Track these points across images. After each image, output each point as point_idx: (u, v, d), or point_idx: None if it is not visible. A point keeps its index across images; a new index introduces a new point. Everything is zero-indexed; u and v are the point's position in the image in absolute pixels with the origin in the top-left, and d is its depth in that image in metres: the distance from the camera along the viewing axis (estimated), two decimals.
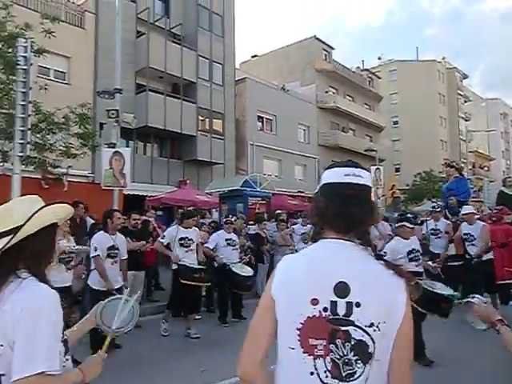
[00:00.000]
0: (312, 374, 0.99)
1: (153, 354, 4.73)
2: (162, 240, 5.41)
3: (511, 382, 3.50)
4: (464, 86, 45.14)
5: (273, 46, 43.79)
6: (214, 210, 11.81)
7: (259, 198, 11.03)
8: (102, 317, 1.50)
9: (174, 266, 5.34)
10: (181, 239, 5.29)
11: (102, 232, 4.69)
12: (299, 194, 20.87)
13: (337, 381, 0.99)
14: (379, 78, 33.21)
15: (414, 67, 39.09)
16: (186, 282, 5.09)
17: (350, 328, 0.99)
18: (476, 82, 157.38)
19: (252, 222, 9.40)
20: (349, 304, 1.00)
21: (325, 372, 0.99)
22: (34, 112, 6.95)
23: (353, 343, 0.99)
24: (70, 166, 8.53)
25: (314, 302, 1.00)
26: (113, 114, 7.62)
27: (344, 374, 0.98)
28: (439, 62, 41.40)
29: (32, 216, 1.17)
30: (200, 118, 17.72)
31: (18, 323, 1.06)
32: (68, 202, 1.34)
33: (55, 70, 13.41)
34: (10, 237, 1.15)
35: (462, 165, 36.92)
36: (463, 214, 6.64)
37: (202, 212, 9.70)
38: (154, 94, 15.83)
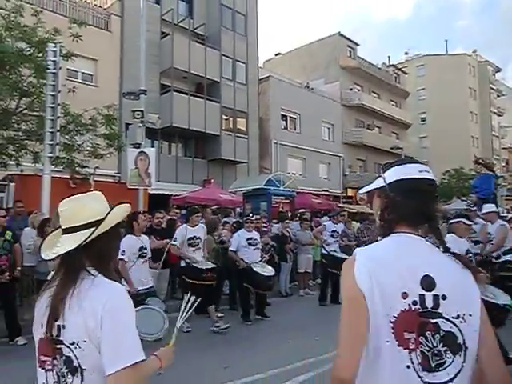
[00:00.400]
0: (408, 367, 1.00)
1: (176, 349, 4.75)
2: (175, 243, 5.41)
3: None
4: (497, 80, 43.12)
5: (296, 44, 43.47)
6: (238, 208, 11.82)
7: (283, 197, 10.94)
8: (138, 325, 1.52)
9: (182, 263, 5.39)
10: (189, 239, 5.33)
11: (129, 235, 4.75)
12: (323, 192, 20.59)
13: (426, 372, 1.00)
14: (406, 73, 32.22)
15: (443, 61, 37.64)
16: (193, 281, 5.13)
17: (439, 320, 1.01)
18: (510, 76, 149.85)
19: (275, 221, 9.33)
20: (435, 297, 1.02)
21: (418, 365, 1.00)
22: (62, 114, 7.16)
23: (442, 334, 1.01)
24: (97, 167, 8.76)
25: (404, 295, 1.01)
26: (138, 114, 7.76)
27: (433, 365, 1.00)
28: (470, 56, 39.71)
29: (110, 211, 1.20)
30: (224, 117, 17.80)
31: (102, 320, 1.07)
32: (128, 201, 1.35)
33: (83, 73, 13.84)
34: (92, 229, 1.16)
35: (495, 161, 35.46)
36: (483, 214, 6.31)
37: (226, 211, 9.73)
38: (179, 94, 16.03)
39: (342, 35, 26.31)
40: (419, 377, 0.99)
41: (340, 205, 18.72)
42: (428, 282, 1.02)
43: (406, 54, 40.99)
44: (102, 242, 1.19)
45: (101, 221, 1.17)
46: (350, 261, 1.07)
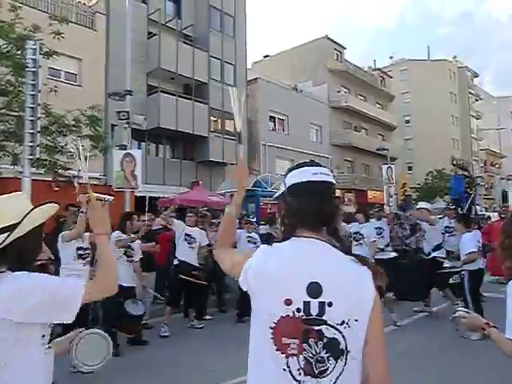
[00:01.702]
0: (284, 370, 1.01)
1: (164, 353, 4.73)
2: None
3: None
4: (475, 85, 44.79)
5: (285, 46, 43.65)
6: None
7: (271, 198, 10.91)
8: (77, 353, 1.45)
9: (176, 262, 5.56)
10: (186, 235, 5.58)
11: (118, 232, 4.76)
12: None
13: (309, 377, 1.01)
14: (391, 77, 32.77)
15: (426, 66, 38.63)
16: (184, 277, 5.35)
17: (323, 327, 1.01)
18: (487, 81, 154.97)
19: (263, 223, 9.30)
20: (321, 304, 1.01)
21: (298, 370, 1.00)
22: (44, 114, 6.95)
23: (325, 341, 1.01)
24: (80, 169, 8.57)
25: (288, 302, 1.01)
26: (123, 115, 7.61)
27: (317, 372, 1.00)
28: (450, 62, 41.03)
29: (27, 214, 1.18)
30: (212, 118, 17.71)
31: (18, 296, 1.11)
32: (57, 201, 1.33)
33: (66, 72, 13.48)
34: (6, 234, 1.15)
35: (474, 162, 36.42)
36: (417, 209, 6.63)
37: (216, 213, 9.67)
38: (166, 95, 15.87)
39: (329, 38, 26.56)
40: (296, 380, 1.00)
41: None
42: (314, 289, 1.01)
43: (391, 58, 41.81)
44: (19, 244, 1.18)
45: (15, 225, 1.16)
46: (248, 255, 1.10)
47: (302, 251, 1.07)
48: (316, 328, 1.01)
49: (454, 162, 7.98)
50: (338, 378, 1.01)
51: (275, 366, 1.01)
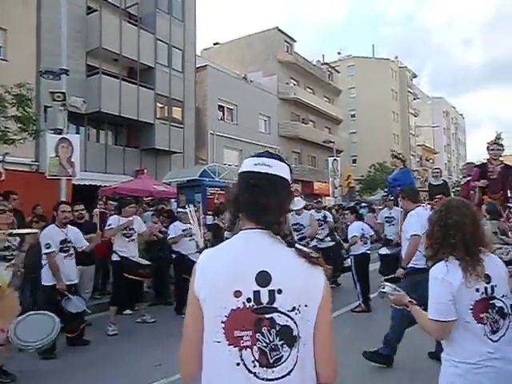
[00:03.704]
0: (238, 364, 0.99)
1: (106, 352, 4.53)
2: (108, 228, 5.20)
3: None
4: (413, 85, 48.28)
5: (235, 35, 43.08)
6: (172, 200, 11.44)
7: (218, 188, 10.83)
8: (17, 332, 1.34)
9: (115, 258, 5.18)
10: (124, 229, 5.18)
11: (52, 226, 4.49)
12: None
13: (265, 368, 0.99)
14: (338, 72, 33.94)
15: (370, 64, 40.58)
16: (131, 276, 5.03)
17: (274, 315, 1.01)
18: (424, 82, 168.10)
19: (210, 213, 9.21)
20: (271, 292, 1.01)
21: (252, 362, 0.99)
22: None
23: (278, 329, 1.00)
24: (7, 153, 7.71)
25: (238, 293, 1.00)
26: (58, 96, 6.95)
27: (272, 361, 1.00)
28: (392, 61, 43.53)
29: None
30: (158, 105, 17.03)
31: None
32: None
33: None
34: None
35: (411, 157, 39.44)
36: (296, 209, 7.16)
37: (163, 202, 9.43)
38: (108, 77, 14.91)
39: (280, 30, 26.72)
40: (251, 373, 0.99)
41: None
42: (263, 278, 1.01)
43: (339, 53, 43.20)
44: None
45: None
46: (194, 268, 1.08)
47: (247, 242, 1.07)
48: (267, 316, 1.00)
49: (400, 156, 8.49)
50: (294, 365, 1.01)
51: (229, 360, 0.99)
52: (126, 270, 5.05)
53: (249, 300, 1.00)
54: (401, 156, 9.41)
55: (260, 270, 1.02)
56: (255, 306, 1.00)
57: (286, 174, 1.13)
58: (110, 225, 5.17)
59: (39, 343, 1.38)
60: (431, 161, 46.98)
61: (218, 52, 28.08)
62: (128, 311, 5.80)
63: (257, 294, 1.00)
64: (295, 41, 28.03)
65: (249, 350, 0.99)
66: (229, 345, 0.99)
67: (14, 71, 10.39)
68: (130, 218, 5.19)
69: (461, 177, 8.87)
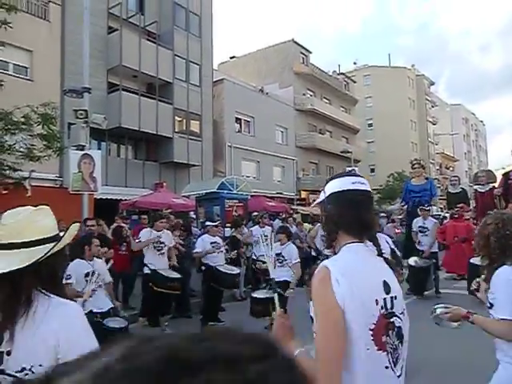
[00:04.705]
0: (387, 367, 1.09)
1: None
2: (137, 241, 5.42)
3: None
4: (431, 92, 47.60)
5: (251, 48, 43.85)
6: (191, 213, 11.51)
7: (236, 201, 10.82)
8: None
9: (147, 271, 5.28)
10: (154, 242, 5.31)
11: (78, 260, 4.30)
12: (278, 195, 20.83)
13: (396, 367, 1.12)
14: (354, 82, 33.82)
15: (387, 73, 40.32)
16: (160, 289, 5.10)
17: (393, 318, 1.14)
18: (441, 89, 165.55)
19: (229, 225, 9.19)
20: (392, 298, 1.15)
21: (392, 362, 1.10)
22: None
23: (396, 330, 1.14)
24: (33, 170, 7.94)
25: (376, 302, 1.12)
26: (81, 114, 7.15)
27: (395, 360, 1.11)
28: (409, 69, 43.16)
29: (68, 228, 1.15)
30: (177, 119, 17.33)
31: (60, 341, 1.03)
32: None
33: (15, 65, 12.50)
34: (46, 246, 1.07)
35: (431, 165, 38.64)
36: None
37: (188, 217, 9.53)
38: (128, 93, 15.31)
39: (295, 42, 26.93)
40: (395, 373, 1.11)
41: (293, 207, 19.04)
42: (386, 286, 1.14)
43: (355, 63, 43.17)
44: (52, 260, 1.09)
45: (53, 238, 1.10)
46: (323, 275, 1.09)
47: (363, 255, 1.17)
48: (391, 320, 1.13)
49: (422, 164, 8.32)
50: (404, 360, 1.15)
51: (379, 365, 1.08)
52: (155, 283, 5.12)
53: (382, 307, 1.12)
54: (424, 164, 9.19)
55: (382, 279, 1.15)
56: (385, 312, 1.13)
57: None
58: (139, 238, 5.32)
59: None
60: (451, 169, 45.95)
61: (234, 65, 28.50)
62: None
63: (385, 301, 1.13)
64: (311, 52, 28.16)
65: (389, 353, 1.11)
66: (378, 350, 1.08)
67: (40, 91, 10.81)
68: (159, 233, 5.28)
69: (474, 185, 8.57)
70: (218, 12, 63.58)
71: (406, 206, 8.16)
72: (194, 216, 10.95)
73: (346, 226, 1.17)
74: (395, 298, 1.15)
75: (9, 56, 10.44)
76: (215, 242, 6.12)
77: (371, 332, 1.07)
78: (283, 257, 5.64)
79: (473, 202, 8.74)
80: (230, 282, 6.10)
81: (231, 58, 30.30)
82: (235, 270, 6.08)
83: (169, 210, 11.54)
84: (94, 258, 4.48)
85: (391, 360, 1.10)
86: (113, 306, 4.44)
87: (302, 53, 27.32)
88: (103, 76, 14.98)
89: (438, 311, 1.98)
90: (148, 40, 16.50)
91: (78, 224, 1.22)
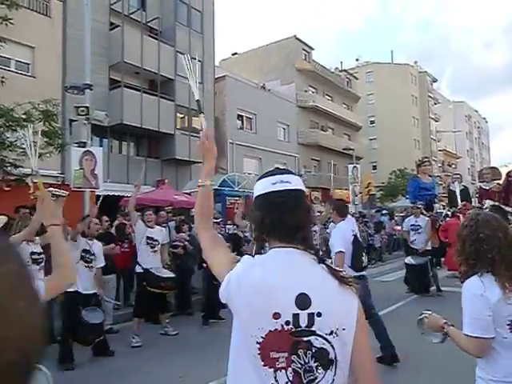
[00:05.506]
0: None
1: (130, 361, 4.54)
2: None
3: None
4: (433, 89, 47.28)
5: (253, 45, 43.73)
6: (193, 210, 11.53)
7: (238, 198, 10.81)
8: None
9: (139, 269, 5.19)
10: (148, 238, 5.22)
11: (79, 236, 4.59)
12: None
13: None
14: (357, 78, 33.66)
15: (389, 69, 40.09)
16: (153, 289, 5.04)
17: (312, 338, 1.00)
18: (444, 86, 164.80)
19: (230, 223, 9.20)
20: (310, 315, 1.00)
21: (286, 383, 0.99)
22: None
23: (314, 351, 1.00)
24: (37, 168, 7.92)
25: (276, 316, 0.99)
26: (82, 111, 7.13)
27: (305, 381, 0.99)
28: (412, 66, 42.87)
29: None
30: (179, 115, 17.30)
31: None
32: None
33: (17, 61, 12.43)
34: None
35: (433, 162, 38.67)
36: None
37: (187, 213, 9.54)
38: (130, 90, 15.27)
39: (297, 39, 26.79)
40: None
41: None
42: (303, 301, 1.00)
43: (357, 60, 42.92)
44: None
45: None
46: (231, 262, 1.08)
47: (284, 262, 1.05)
48: (305, 339, 1.00)
49: (431, 161, 8.37)
50: None
51: (262, 381, 0.99)
52: (147, 283, 5.06)
53: (287, 323, 0.99)
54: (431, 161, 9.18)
55: (300, 292, 1.01)
56: (293, 329, 0.99)
57: (303, 186, 1.13)
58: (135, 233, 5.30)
59: None
60: (453, 166, 45.78)
61: (236, 62, 28.41)
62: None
63: (296, 316, 0.99)
64: (313, 49, 28.03)
65: (283, 371, 0.99)
66: (264, 365, 0.99)
67: (42, 87, 10.77)
68: (151, 229, 5.25)
69: (478, 182, 8.56)
70: (219, 8, 63.15)
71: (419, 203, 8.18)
72: None
73: (269, 230, 1.09)
74: (318, 314, 1.00)
75: (11, 52, 10.39)
76: None
77: (258, 345, 0.99)
78: None
79: (476, 199, 8.71)
80: None
81: (233, 54, 30.20)
82: None
83: (170, 207, 11.58)
84: (94, 240, 4.61)
85: (292, 380, 0.98)
86: (96, 291, 4.58)
87: (304, 49, 27.19)
88: (105, 72, 14.94)
89: (423, 315, 1.80)
90: (150, 36, 16.43)
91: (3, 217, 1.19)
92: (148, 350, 4.88)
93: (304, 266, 1.05)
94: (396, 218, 16.60)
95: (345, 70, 33.15)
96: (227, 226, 9.15)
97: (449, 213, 9.82)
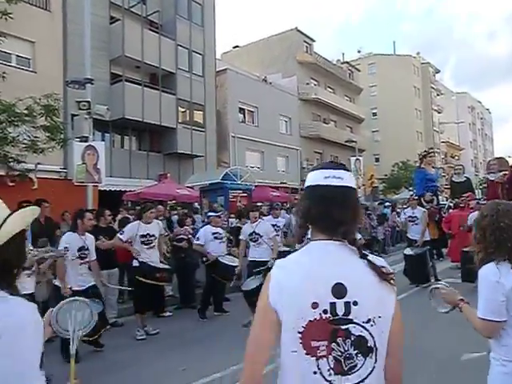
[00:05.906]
0: (315, 373, 1.04)
1: (133, 355, 4.59)
2: (120, 236, 5.11)
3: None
4: (436, 81, 46.75)
5: (254, 37, 43.42)
6: (196, 203, 11.55)
7: (240, 191, 10.82)
8: (59, 322, 1.42)
9: (135, 263, 5.12)
10: (142, 236, 5.07)
11: (70, 233, 4.58)
12: (282, 185, 20.80)
13: (340, 376, 1.04)
14: (359, 70, 33.36)
15: (392, 61, 39.71)
16: (147, 281, 5.00)
17: (350, 326, 1.05)
18: (447, 77, 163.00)
19: (233, 216, 9.21)
20: (347, 304, 1.05)
21: (328, 370, 1.03)
22: None
23: (352, 339, 1.04)
24: (38, 163, 7.94)
25: (315, 305, 1.04)
26: (84, 105, 7.12)
27: (346, 368, 1.04)
28: (414, 57, 42.43)
29: (2, 224, 1.05)
30: (180, 109, 17.26)
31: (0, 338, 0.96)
32: (30, 200, 1.22)
33: (18, 56, 12.40)
34: None
35: (436, 154, 38.53)
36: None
37: (194, 207, 9.55)
38: (131, 84, 15.23)
39: (299, 31, 26.55)
40: (327, 381, 1.03)
41: (298, 197, 18.99)
42: (339, 290, 1.05)
43: (359, 52, 42.53)
44: (3, 253, 1.03)
45: None
46: (268, 279, 1.10)
47: (322, 254, 1.10)
48: (343, 327, 1.04)
49: (436, 151, 8.41)
50: (368, 375, 1.05)
51: (306, 370, 1.04)
52: (143, 275, 5.02)
53: (325, 311, 1.04)
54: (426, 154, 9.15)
55: (336, 282, 1.05)
56: (331, 318, 1.04)
57: (354, 183, 1.16)
58: (123, 232, 5.15)
59: (81, 330, 1.47)
60: (456, 157, 45.54)
61: (237, 55, 28.21)
62: (168, 313, 5.94)
63: (333, 305, 1.04)
64: (314, 41, 27.77)
65: (325, 359, 1.03)
66: (306, 354, 1.03)
67: (43, 82, 10.76)
68: (147, 225, 5.15)
69: (485, 172, 8.61)
70: (220, 1, 62.63)
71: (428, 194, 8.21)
72: (199, 207, 10.98)
73: (314, 220, 1.13)
74: (354, 303, 1.05)
75: (11, 47, 10.35)
76: (217, 233, 6.07)
77: (299, 335, 1.03)
78: (258, 234, 5.70)
79: (479, 191, 8.72)
80: (230, 274, 5.96)
81: (234, 47, 29.99)
82: (236, 262, 6.01)
83: (173, 201, 11.62)
84: (86, 234, 4.61)
85: (333, 367, 1.03)
86: (94, 283, 4.59)
87: (305, 41, 26.95)
88: (106, 67, 14.89)
89: (439, 285, 1.97)
90: (150, 30, 16.34)
91: (29, 209, 1.14)
92: (149, 343, 4.92)
93: (342, 257, 1.09)
94: (398, 210, 16.59)
95: (347, 62, 32.86)
96: (230, 220, 9.16)
97: (451, 204, 9.83)
